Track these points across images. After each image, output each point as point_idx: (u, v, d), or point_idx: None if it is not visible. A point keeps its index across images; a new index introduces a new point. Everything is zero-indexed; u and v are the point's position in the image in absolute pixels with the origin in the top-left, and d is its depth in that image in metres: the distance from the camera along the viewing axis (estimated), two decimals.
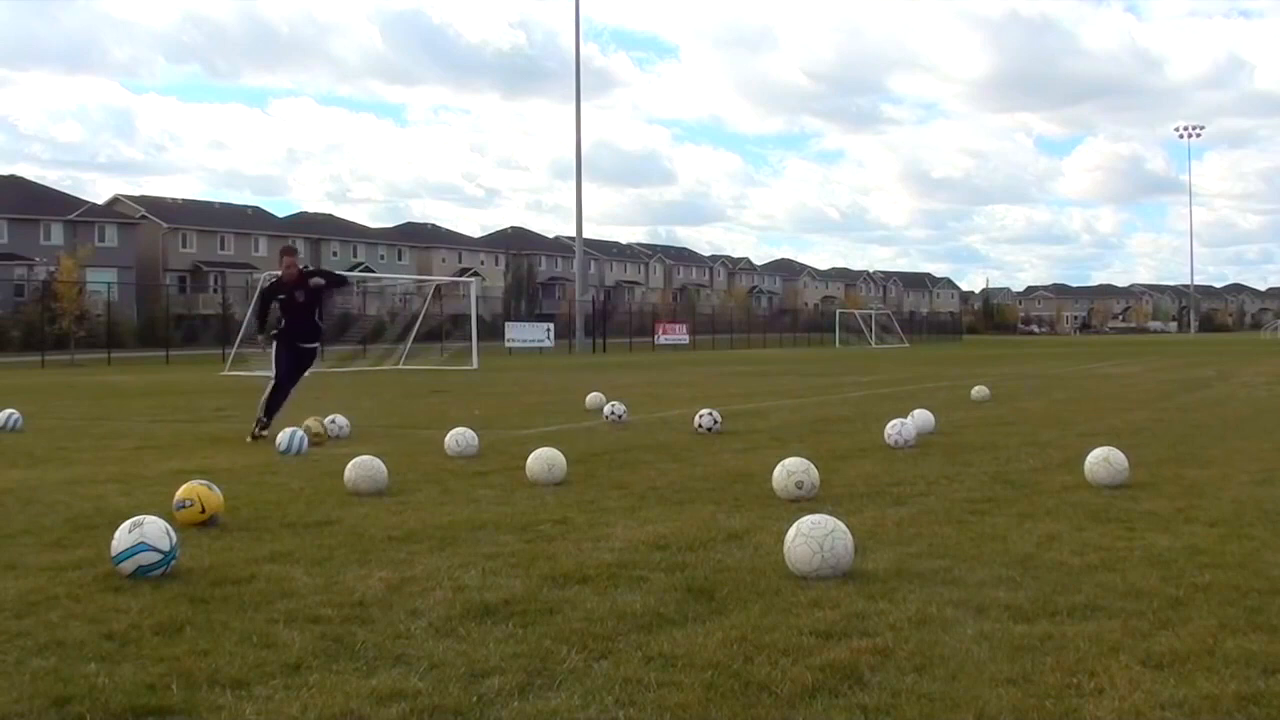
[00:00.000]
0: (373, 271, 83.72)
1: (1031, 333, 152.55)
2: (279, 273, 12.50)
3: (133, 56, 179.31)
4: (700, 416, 11.75)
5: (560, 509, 6.75)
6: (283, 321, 12.14)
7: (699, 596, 4.57)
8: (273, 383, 12.04)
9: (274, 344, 12.23)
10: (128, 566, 4.90)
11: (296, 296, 12.09)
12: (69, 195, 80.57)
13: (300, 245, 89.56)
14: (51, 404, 18.17)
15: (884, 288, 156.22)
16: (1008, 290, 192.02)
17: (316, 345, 12.51)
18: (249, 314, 39.02)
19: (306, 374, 12.60)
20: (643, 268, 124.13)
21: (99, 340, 49.26)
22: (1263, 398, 17.32)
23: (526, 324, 61.91)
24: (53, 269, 61.36)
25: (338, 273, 13.56)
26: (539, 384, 24.15)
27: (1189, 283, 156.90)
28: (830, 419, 13.80)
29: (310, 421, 11.12)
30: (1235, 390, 19.39)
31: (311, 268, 12.94)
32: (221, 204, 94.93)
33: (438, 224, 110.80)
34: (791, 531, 4.95)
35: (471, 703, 3.34)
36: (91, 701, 3.35)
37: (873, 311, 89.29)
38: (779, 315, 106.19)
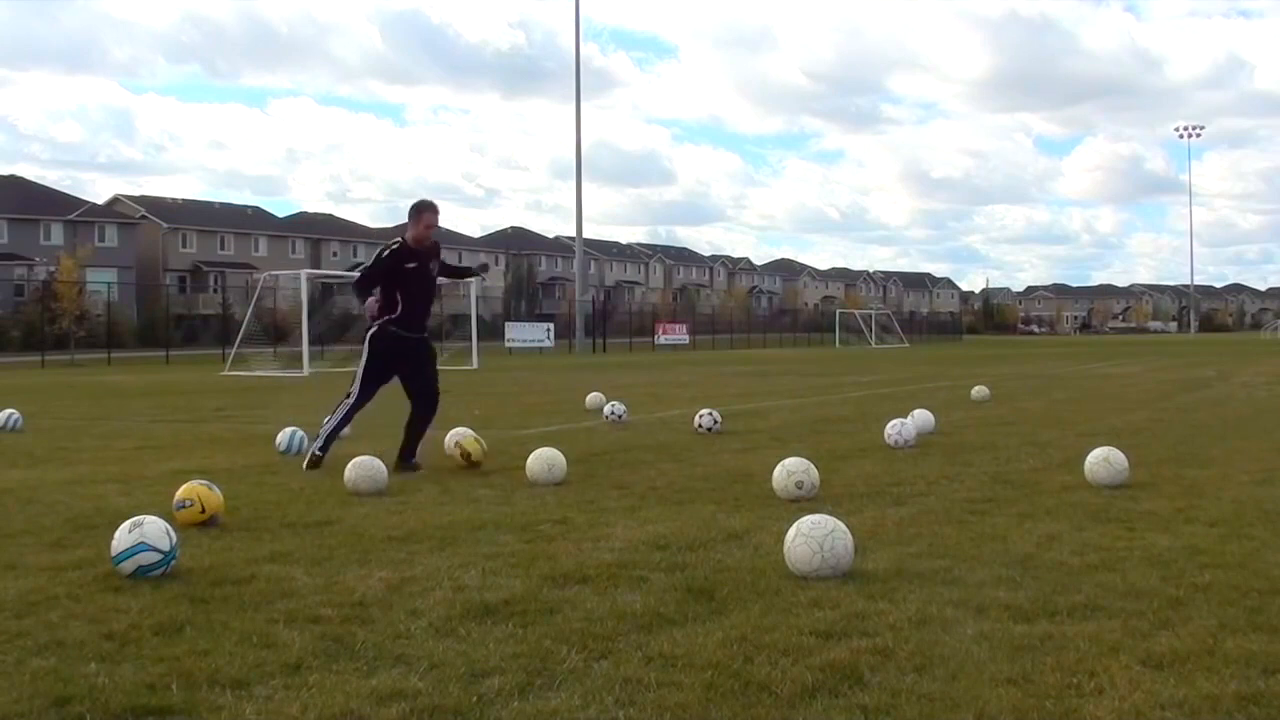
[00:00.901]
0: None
1: (1031, 333, 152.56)
2: (401, 239, 8.94)
3: (133, 56, 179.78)
4: (700, 416, 11.75)
5: (560, 509, 6.75)
6: (400, 308, 8.77)
7: (699, 596, 4.57)
8: (349, 404, 8.90)
9: (368, 343, 8.92)
10: (128, 566, 4.90)
11: (430, 268, 8.97)
12: (69, 195, 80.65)
13: (300, 245, 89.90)
14: (51, 404, 18.17)
15: (884, 288, 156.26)
16: (1008, 290, 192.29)
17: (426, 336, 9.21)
18: (248, 314, 39.02)
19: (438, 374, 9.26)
20: (643, 268, 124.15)
21: (99, 340, 49.31)
22: (1263, 398, 17.31)
23: (526, 324, 61.94)
24: (53, 269, 61.44)
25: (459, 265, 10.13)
26: (539, 384, 24.15)
27: (1189, 283, 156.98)
28: (830, 419, 13.79)
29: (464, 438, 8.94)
30: (1235, 390, 19.39)
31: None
32: (221, 204, 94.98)
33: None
34: (791, 531, 4.95)
35: (471, 703, 3.34)
36: (91, 701, 3.35)
37: (873, 311, 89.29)
38: (779, 315, 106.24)
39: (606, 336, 63.40)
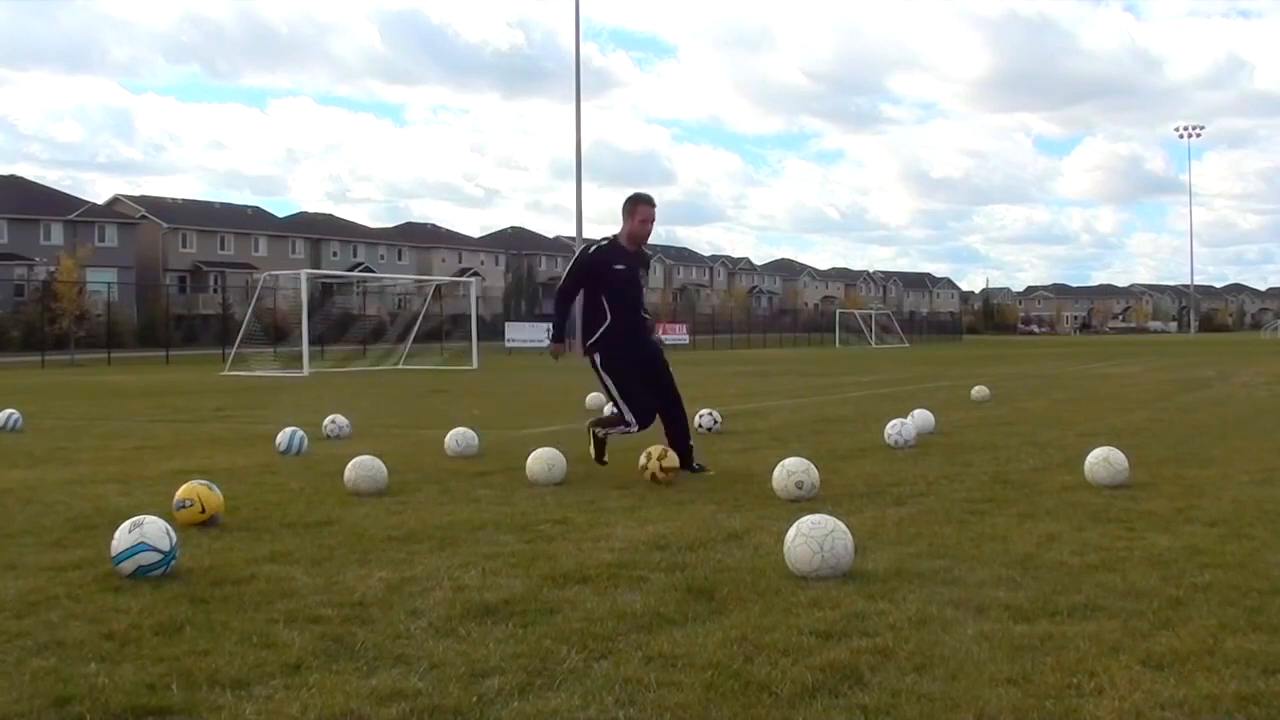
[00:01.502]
0: (373, 271, 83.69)
1: (1031, 333, 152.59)
2: (611, 237, 7.95)
3: (132, 56, 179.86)
4: (700, 416, 11.74)
5: (560, 509, 6.75)
6: (609, 318, 7.86)
7: (699, 596, 4.57)
8: (628, 425, 8.00)
9: (603, 371, 7.96)
10: (128, 566, 4.90)
11: (641, 278, 8.01)
12: (69, 195, 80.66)
13: (300, 245, 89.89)
14: (51, 404, 18.17)
15: (884, 288, 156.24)
16: (1008, 290, 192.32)
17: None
18: (248, 314, 39.00)
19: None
20: None
21: (99, 340, 49.37)
22: (1263, 398, 17.31)
23: (526, 324, 61.87)
24: (53, 269, 61.46)
25: None
26: (539, 384, 24.14)
27: (1189, 283, 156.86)
28: (830, 419, 13.79)
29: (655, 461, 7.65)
30: (1235, 390, 19.39)
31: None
32: (221, 204, 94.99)
33: (438, 224, 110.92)
34: (791, 531, 4.95)
35: (471, 703, 3.34)
36: (91, 701, 3.35)
37: (873, 311, 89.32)
38: (779, 315, 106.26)
39: None
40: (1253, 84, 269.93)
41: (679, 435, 8.09)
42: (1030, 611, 4.27)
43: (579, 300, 8.14)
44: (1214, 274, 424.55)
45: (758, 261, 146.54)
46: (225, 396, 19.73)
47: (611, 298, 7.82)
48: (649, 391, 8.01)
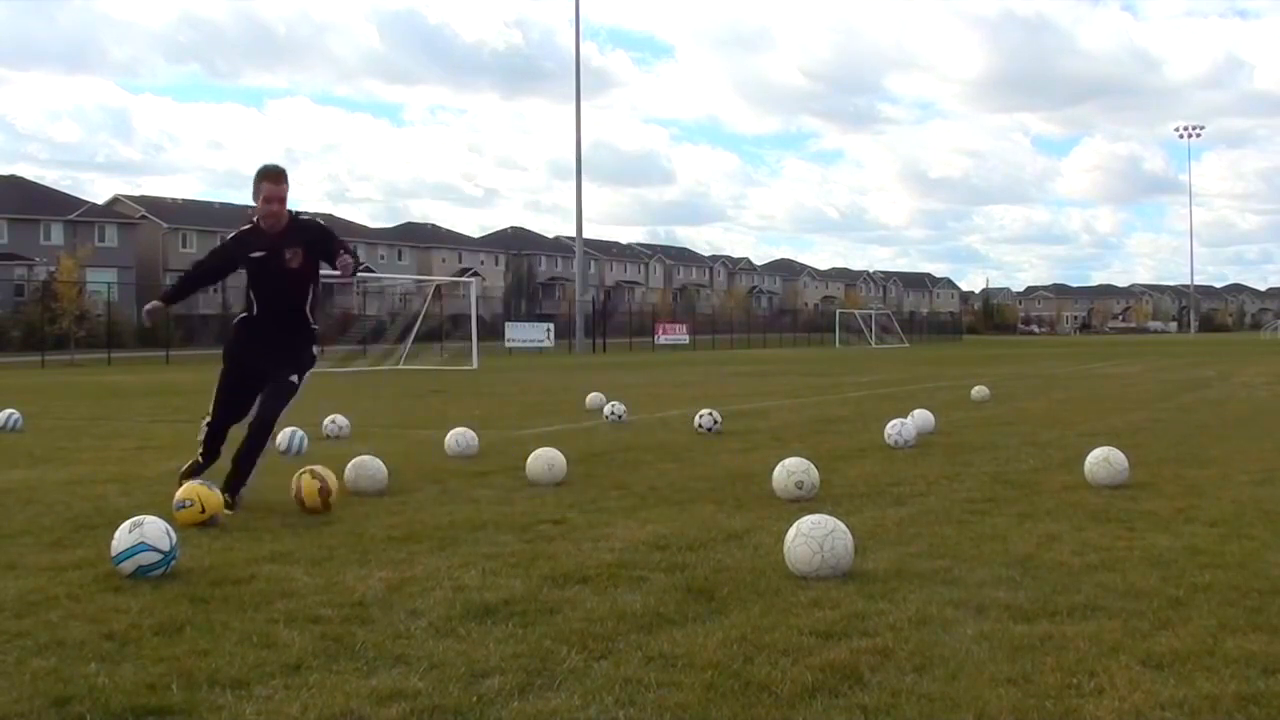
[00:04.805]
0: (373, 271, 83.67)
1: (1031, 333, 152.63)
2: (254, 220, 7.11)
3: (131, 56, 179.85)
4: (700, 416, 11.75)
5: (560, 509, 6.75)
6: (252, 308, 7.18)
7: (699, 596, 4.57)
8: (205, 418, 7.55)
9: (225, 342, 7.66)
10: (128, 566, 4.90)
11: (287, 260, 6.97)
12: (69, 195, 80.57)
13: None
14: (51, 404, 18.16)
15: (884, 288, 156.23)
16: (1008, 290, 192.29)
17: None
18: None
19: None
20: (643, 268, 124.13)
21: (99, 340, 49.31)
22: (1263, 398, 17.31)
23: (526, 324, 61.86)
24: (53, 269, 61.42)
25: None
26: (539, 384, 24.13)
27: (1189, 283, 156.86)
28: (830, 419, 13.79)
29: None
30: (1235, 390, 19.39)
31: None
32: (221, 204, 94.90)
33: (437, 224, 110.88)
34: (791, 531, 4.95)
35: (471, 703, 3.34)
36: (91, 701, 3.35)
37: (873, 311, 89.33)
38: (779, 315, 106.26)
39: (606, 336, 63.39)
40: (1252, 84, 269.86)
41: (241, 456, 7.23)
42: (1030, 611, 4.27)
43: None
44: (1214, 274, 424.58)
45: (758, 261, 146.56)
46: None
47: (250, 285, 7.16)
48: (236, 396, 7.42)
